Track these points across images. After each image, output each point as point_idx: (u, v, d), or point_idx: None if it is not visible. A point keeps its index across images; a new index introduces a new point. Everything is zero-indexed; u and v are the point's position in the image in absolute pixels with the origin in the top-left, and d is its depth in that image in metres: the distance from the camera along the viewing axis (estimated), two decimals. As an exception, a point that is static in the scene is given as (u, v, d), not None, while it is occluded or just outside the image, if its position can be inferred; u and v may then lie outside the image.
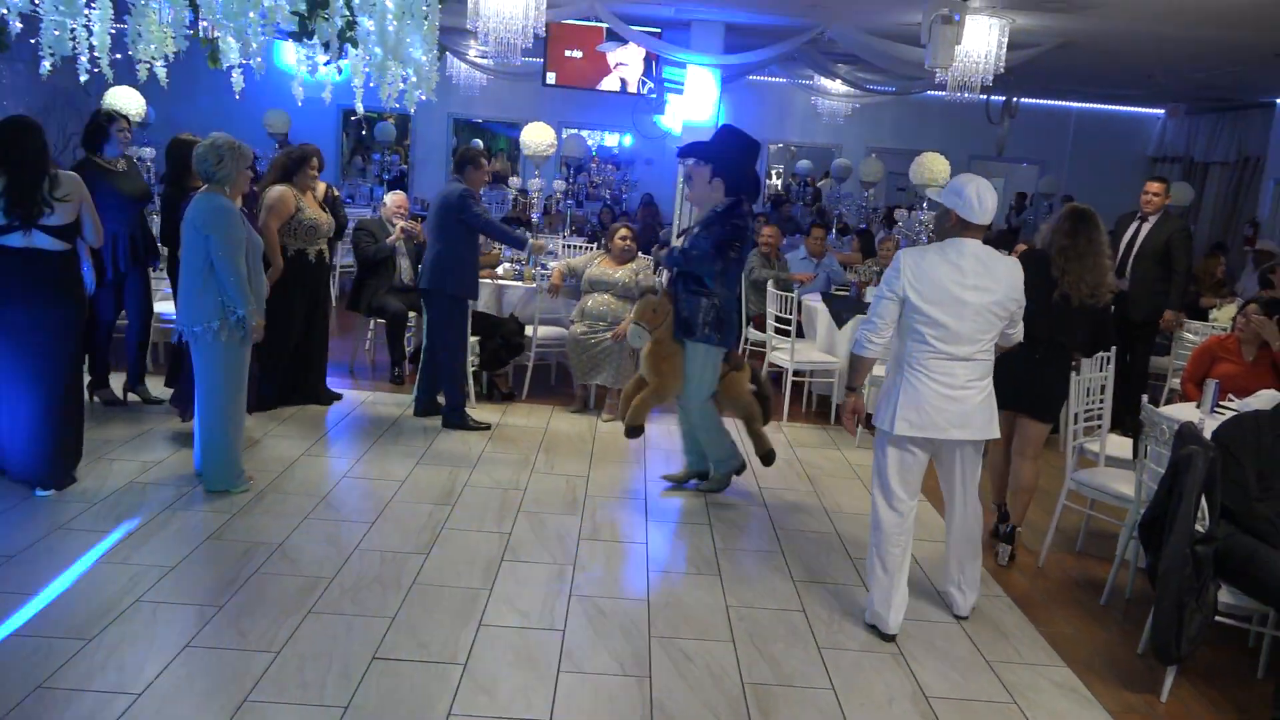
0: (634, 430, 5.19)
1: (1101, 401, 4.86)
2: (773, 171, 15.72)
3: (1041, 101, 13.69)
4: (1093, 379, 4.78)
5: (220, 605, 3.61)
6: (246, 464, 4.91)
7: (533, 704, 3.15)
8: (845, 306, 7.18)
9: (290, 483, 4.91)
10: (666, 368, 5.10)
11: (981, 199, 3.60)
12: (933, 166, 8.00)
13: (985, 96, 9.89)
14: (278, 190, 5.81)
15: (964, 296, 3.57)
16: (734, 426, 5.42)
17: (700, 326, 4.94)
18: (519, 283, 7.27)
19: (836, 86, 12.53)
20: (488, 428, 6.08)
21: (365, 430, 5.88)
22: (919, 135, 13.41)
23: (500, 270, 7.46)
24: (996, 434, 3.81)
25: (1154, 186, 6.87)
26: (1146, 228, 6.85)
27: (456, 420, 6.07)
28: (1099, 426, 4.88)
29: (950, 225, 3.68)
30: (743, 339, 8.14)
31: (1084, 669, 3.69)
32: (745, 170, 4.98)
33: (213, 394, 4.63)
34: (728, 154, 4.96)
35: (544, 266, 7.23)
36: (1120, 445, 5.01)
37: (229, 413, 4.66)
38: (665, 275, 5.49)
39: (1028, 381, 4.48)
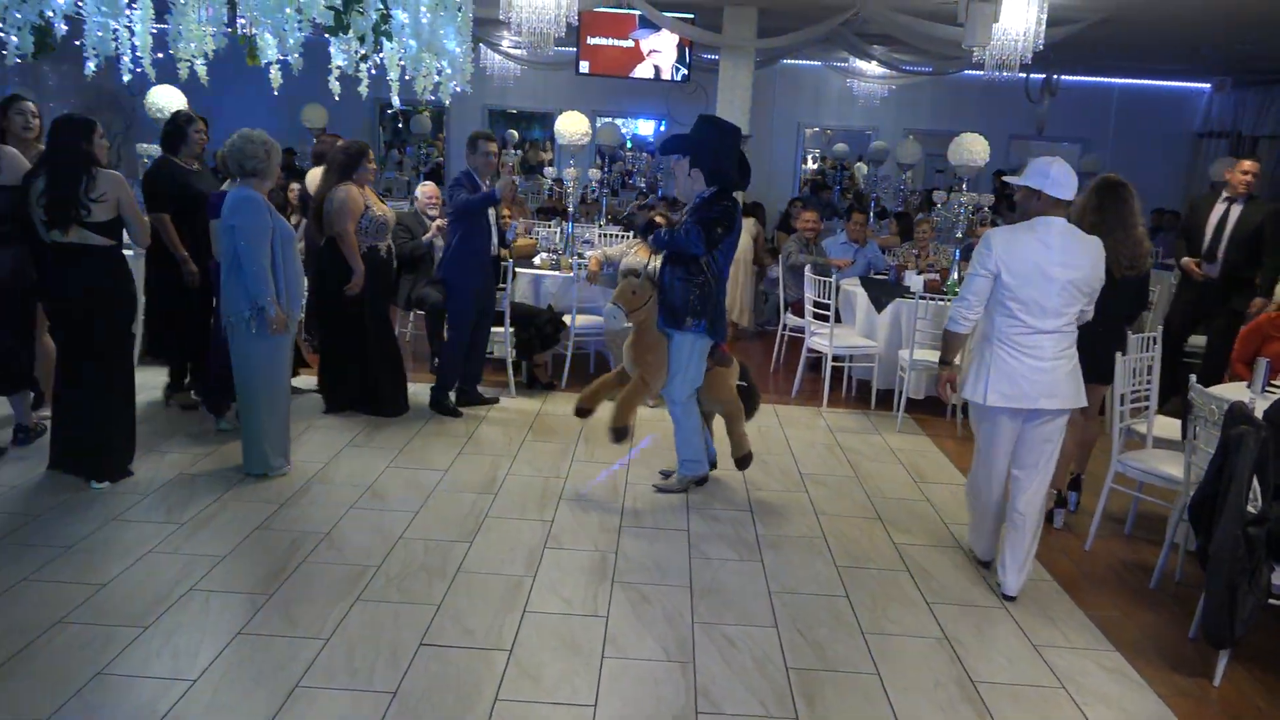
0: (619, 432, 4.88)
1: (1149, 383, 4.78)
2: (809, 156, 15.59)
3: (1083, 78, 13.42)
4: (1139, 360, 4.71)
5: (270, 593, 3.67)
6: (294, 454, 5.00)
7: (578, 690, 3.17)
8: (884, 290, 7.12)
9: (336, 473, 4.98)
10: (650, 359, 4.89)
11: (1067, 176, 3.83)
12: (971, 147, 7.88)
13: (1025, 75, 9.73)
14: (344, 190, 5.67)
15: (1052, 273, 3.77)
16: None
17: (686, 316, 4.71)
18: (556, 272, 7.30)
19: (872, 68, 12.39)
20: (459, 415, 6.11)
21: (407, 420, 5.94)
22: (957, 116, 13.21)
23: (537, 260, 7.49)
24: (1084, 403, 3.99)
25: (1248, 165, 6.40)
26: (1238, 210, 6.38)
27: (435, 399, 6.15)
28: (1146, 408, 4.80)
29: (1037, 205, 3.86)
30: (783, 324, 8.11)
31: (1134, 653, 3.65)
32: (724, 158, 4.73)
33: (248, 380, 4.74)
34: (704, 143, 4.73)
35: (580, 256, 7.24)
36: (1168, 426, 4.92)
37: (264, 398, 4.76)
38: (654, 261, 5.21)
39: (1089, 351, 4.42)
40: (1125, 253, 4.51)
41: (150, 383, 6.26)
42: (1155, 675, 3.50)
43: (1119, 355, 4.50)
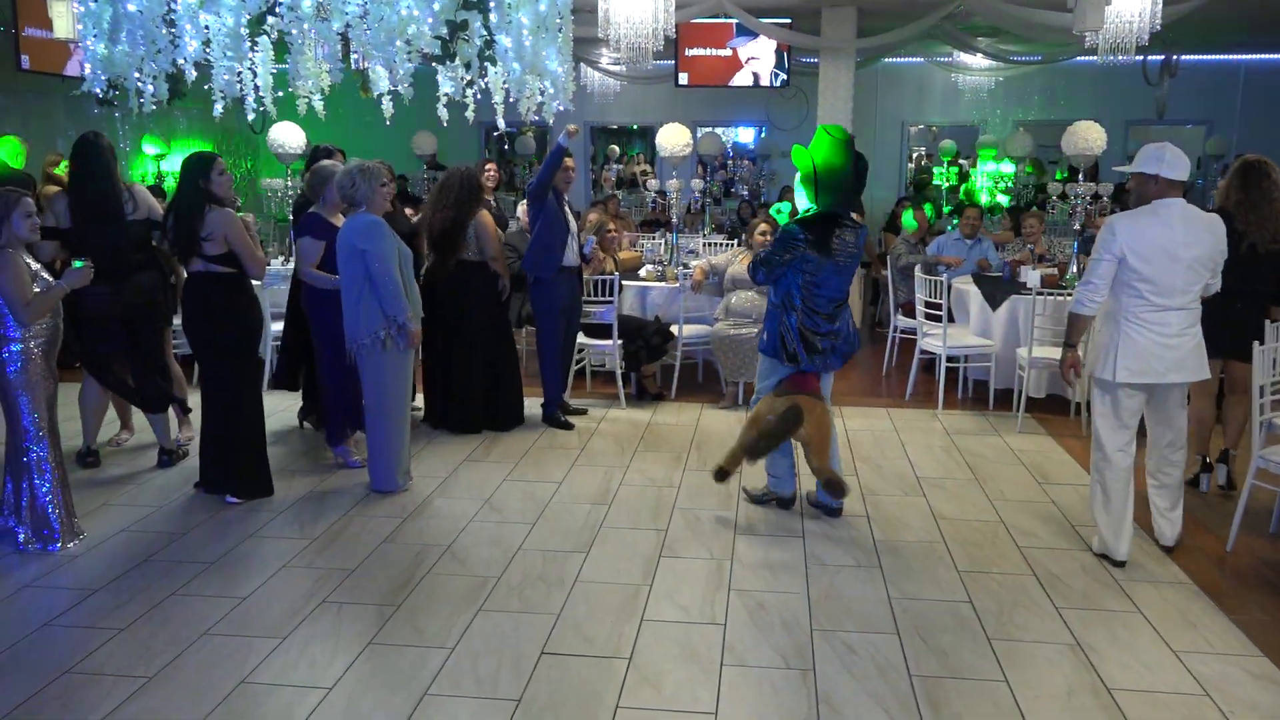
0: (722, 473, 4.64)
1: (1290, 372, 4.51)
2: (913, 154, 15.27)
3: (1205, 57, 12.76)
4: (1279, 349, 4.45)
5: (397, 605, 3.81)
6: (414, 470, 5.18)
7: (698, 697, 3.18)
8: (998, 288, 6.93)
9: (455, 487, 5.12)
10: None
11: (1179, 159, 4.00)
12: (1087, 135, 7.58)
13: (1141, 58, 9.33)
14: (486, 215, 6.03)
15: (1177, 252, 3.94)
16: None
17: (768, 344, 4.64)
18: (662, 283, 7.35)
19: (978, 61, 12.08)
20: (570, 427, 6.19)
21: (521, 435, 6.07)
22: (1070, 104, 12.76)
23: (643, 272, 7.56)
24: (1208, 375, 4.16)
25: None
26: None
27: (546, 413, 6.26)
28: (1289, 399, 4.53)
29: (1154, 189, 4.02)
30: (894, 326, 7.96)
31: (1285, 659, 3.44)
32: (828, 178, 4.42)
33: (379, 400, 4.91)
34: (815, 161, 4.43)
35: (686, 266, 7.27)
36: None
37: (393, 417, 4.94)
38: None
39: (1236, 330, 4.71)
40: (1269, 226, 4.73)
41: (279, 406, 6.58)
42: (1310, 682, 3.30)
43: (1256, 345, 4.27)
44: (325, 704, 3.13)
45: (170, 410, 5.44)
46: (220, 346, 4.77)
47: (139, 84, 4.79)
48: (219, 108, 5.22)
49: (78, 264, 4.30)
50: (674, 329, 6.92)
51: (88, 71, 4.52)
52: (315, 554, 4.29)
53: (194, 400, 5.52)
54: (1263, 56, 13.32)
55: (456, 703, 3.14)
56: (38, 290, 4.13)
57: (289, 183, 8.03)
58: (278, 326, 7.12)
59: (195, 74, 5.18)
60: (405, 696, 3.17)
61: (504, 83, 5.17)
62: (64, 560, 4.20)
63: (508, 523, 4.65)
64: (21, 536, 4.26)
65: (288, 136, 7.89)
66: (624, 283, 7.28)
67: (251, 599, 3.86)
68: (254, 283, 4.90)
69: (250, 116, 5.51)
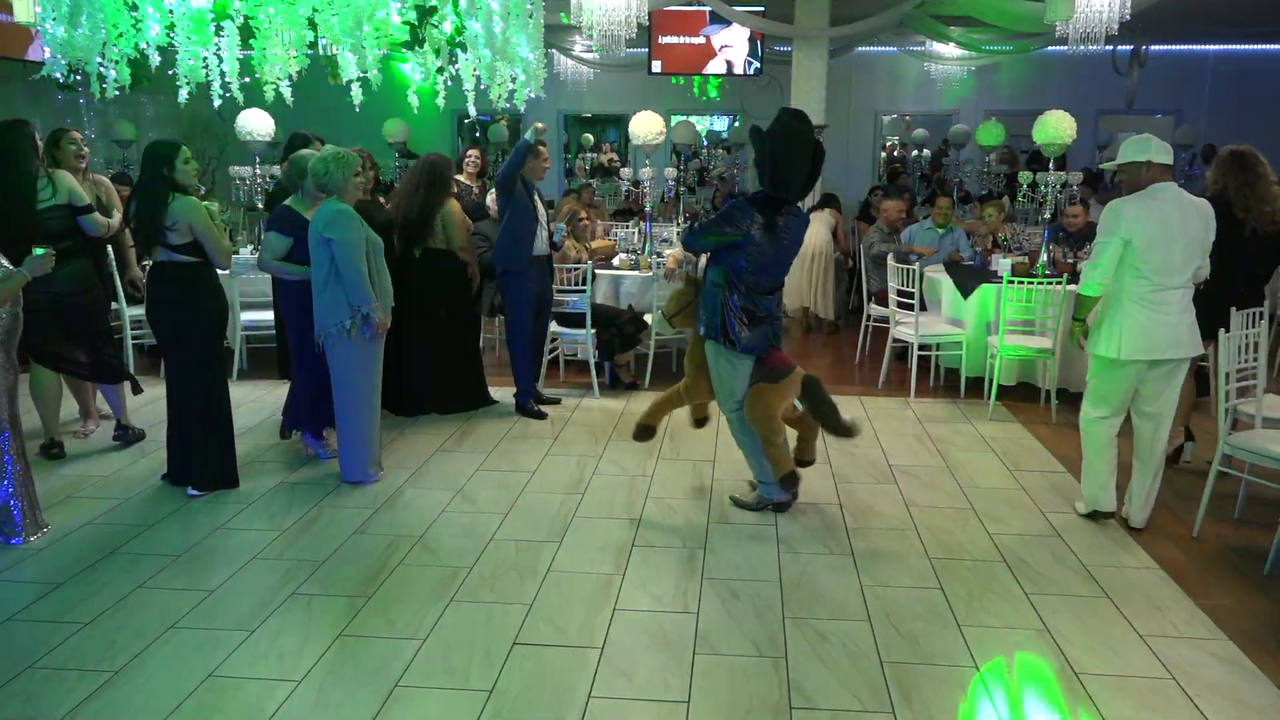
0: (643, 430, 4.84)
1: (1255, 360, 4.57)
2: (887, 142, 15.33)
3: (1174, 47, 12.89)
4: (1246, 336, 4.50)
5: (368, 596, 3.78)
6: (385, 460, 5.15)
7: (670, 686, 3.18)
8: (970, 276, 6.97)
9: (427, 478, 5.09)
10: (695, 361, 4.72)
11: (1164, 144, 4.28)
12: (1058, 125, 7.61)
13: (1110, 47, 9.39)
14: (454, 204, 6.04)
15: (1175, 234, 4.19)
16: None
17: (708, 324, 4.45)
18: (635, 272, 7.33)
19: (950, 50, 12.13)
20: (543, 417, 6.19)
21: (494, 424, 6.04)
22: (1040, 94, 12.81)
23: (616, 261, 7.53)
24: (1203, 351, 4.44)
25: None
26: None
27: (518, 402, 6.26)
28: (1254, 386, 4.59)
29: (1148, 175, 4.27)
30: (866, 314, 8.00)
31: (1249, 642, 3.49)
32: (783, 159, 4.33)
33: (346, 390, 4.87)
34: (766, 140, 4.34)
35: (659, 255, 7.26)
36: (1277, 406, 4.70)
37: (362, 408, 4.90)
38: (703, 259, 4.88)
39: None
40: (1267, 209, 4.91)
41: (248, 398, 6.51)
42: (1273, 665, 3.34)
43: (1222, 333, 4.32)
44: (295, 696, 3.10)
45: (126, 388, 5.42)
46: (184, 336, 4.69)
47: (100, 69, 4.73)
48: (184, 93, 5.16)
49: (38, 251, 4.21)
50: (648, 318, 6.91)
51: (47, 56, 4.44)
52: (285, 545, 4.25)
53: (159, 391, 5.44)
54: (1231, 47, 13.49)
55: (428, 694, 3.12)
56: None
57: (257, 170, 7.92)
58: (248, 315, 7.06)
59: (160, 59, 5.11)
60: (376, 688, 3.15)
61: (474, 69, 5.15)
62: (28, 553, 4.14)
63: (480, 513, 4.63)
64: (-17, 530, 4.19)
65: (256, 124, 7.77)
66: (598, 271, 7.26)
67: (220, 591, 3.81)
68: (220, 272, 4.83)
69: (217, 103, 5.45)
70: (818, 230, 8.87)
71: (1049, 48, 10.84)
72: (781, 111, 4.44)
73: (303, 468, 5.22)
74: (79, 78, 4.91)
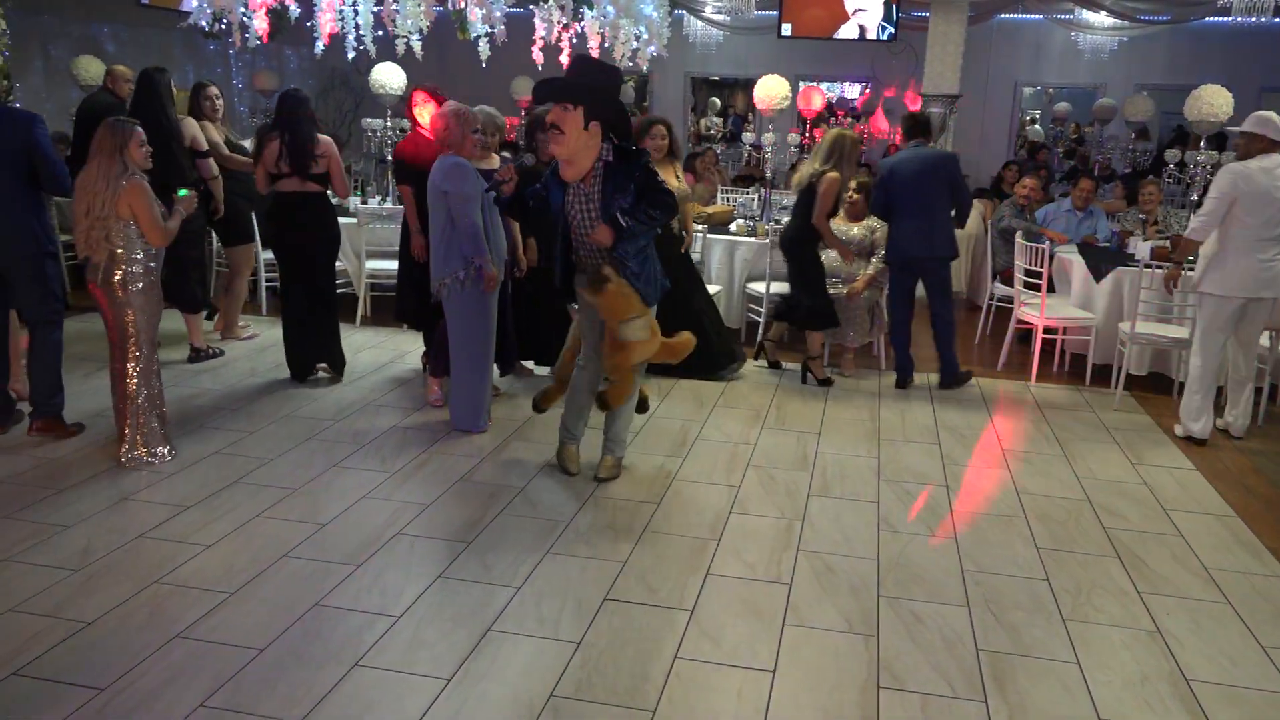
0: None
1: None
2: (1028, 116, 14.63)
3: (1354, 20, 11.88)
4: None
5: (469, 541, 3.89)
6: (496, 412, 5.26)
7: (757, 654, 3.18)
8: (1104, 258, 6.60)
9: (533, 432, 5.18)
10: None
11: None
12: (1213, 101, 7.15)
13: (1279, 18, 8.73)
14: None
15: (1276, 195, 4.99)
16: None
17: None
18: (751, 239, 7.24)
19: (1101, 19, 11.47)
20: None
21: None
22: (1197, 68, 12.00)
23: (733, 226, 7.46)
24: None
25: None
26: None
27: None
28: None
29: (1259, 146, 5.04)
30: (990, 293, 7.72)
31: (1384, 663, 3.26)
32: (617, 105, 4.11)
33: (461, 340, 4.98)
34: (600, 88, 3.99)
35: (778, 223, 7.14)
36: None
37: (475, 358, 5.01)
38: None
39: None
40: None
41: (368, 343, 6.74)
42: None
43: None
44: (392, 631, 3.22)
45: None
46: (318, 257, 5.67)
47: (243, 18, 4.93)
48: (320, 45, 5.33)
49: (182, 192, 4.45)
50: (759, 286, 6.82)
51: (195, 4, 4.64)
52: (394, 487, 4.41)
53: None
54: None
55: (518, 640, 3.20)
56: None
57: (388, 123, 8.14)
58: (372, 264, 7.31)
59: (299, 10, 5.30)
60: (470, 630, 3.24)
61: (599, 28, 5.13)
62: (160, 476, 4.41)
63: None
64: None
65: (388, 77, 7.97)
66: (711, 237, 7.20)
67: (330, 526, 3.99)
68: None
69: (350, 55, 5.61)
70: (973, 219, 8.57)
71: (1210, 19, 10.12)
72: (588, 57, 4.43)
73: (417, 413, 5.38)
74: (224, 26, 5.13)
